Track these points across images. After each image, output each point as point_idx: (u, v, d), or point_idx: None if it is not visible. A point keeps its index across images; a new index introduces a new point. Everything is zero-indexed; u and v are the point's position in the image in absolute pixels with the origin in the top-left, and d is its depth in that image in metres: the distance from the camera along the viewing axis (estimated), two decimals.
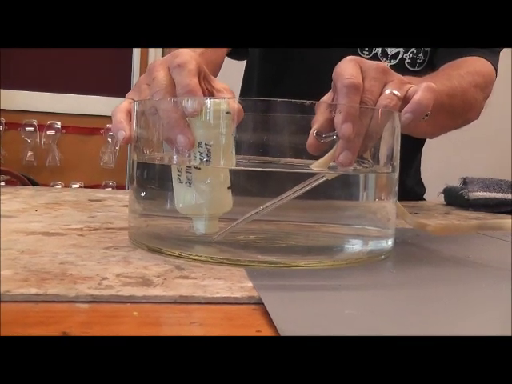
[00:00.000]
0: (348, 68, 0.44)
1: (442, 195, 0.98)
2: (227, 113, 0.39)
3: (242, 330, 0.27)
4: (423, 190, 1.13)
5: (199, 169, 0.40)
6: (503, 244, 0.53)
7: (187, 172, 0.40)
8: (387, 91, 0.44)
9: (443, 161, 2.04)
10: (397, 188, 0.45)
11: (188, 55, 0.44)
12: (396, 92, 0.44)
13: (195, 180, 0.40)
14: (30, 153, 2.09)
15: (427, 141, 1.05)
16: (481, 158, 2.24)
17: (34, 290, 0.30)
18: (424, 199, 1.10)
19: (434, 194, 1.02)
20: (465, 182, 0.92)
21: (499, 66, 0.87)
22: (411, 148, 1.05)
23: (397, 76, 0.47)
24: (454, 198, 0.93)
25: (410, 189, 1.07)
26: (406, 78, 0.48)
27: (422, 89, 0.45)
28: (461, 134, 0.89)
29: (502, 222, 0.44)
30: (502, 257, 0.48)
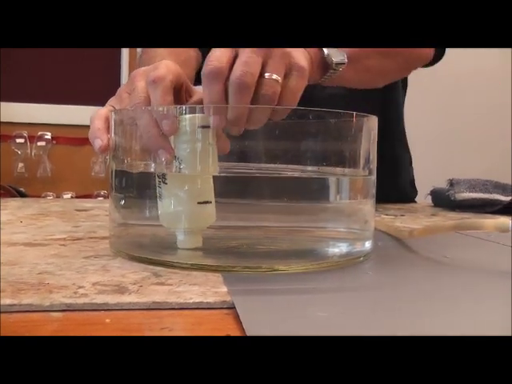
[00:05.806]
0: (216, 51, 0.42)
1: (430, 197, 0.99)
2: (202, 127, 0.39)
3: (212, 334, 0.27)
4: (415, 192, 1.13)
5: (166, 184, 0.40)
6: (483, 243, 0.54)
7: (158, 187, 0.41)
8: (266, 75, 0.42)
9: (435, 164, 2.05)
10: (374, 190, 0.46)
11: (165, 68, 0.44)
12: (275, 76, 0.42)
13: (163, 194, 0.40)
14: (20, 164, 2.09)
15: (420, 144, 1.04)
16: (473, 160, 2.25)
17: (8, 301, 0.30)
18: (415, 202, 1.11)
19: (424, 196, 1.03)
20: (451, 183, 0.93)
21: (499, 72, 0.86)
22: (400, 150, 1.06)
23: (278, 51, 0.43)
24: (442, 200, 0.94)
25: (403, 191, 1.08)
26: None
27: (294, 76, 0.43)
28: (454, 137, 0.90)
29: (479, 221, 0.44)
30: (479, 256, 0.48)
